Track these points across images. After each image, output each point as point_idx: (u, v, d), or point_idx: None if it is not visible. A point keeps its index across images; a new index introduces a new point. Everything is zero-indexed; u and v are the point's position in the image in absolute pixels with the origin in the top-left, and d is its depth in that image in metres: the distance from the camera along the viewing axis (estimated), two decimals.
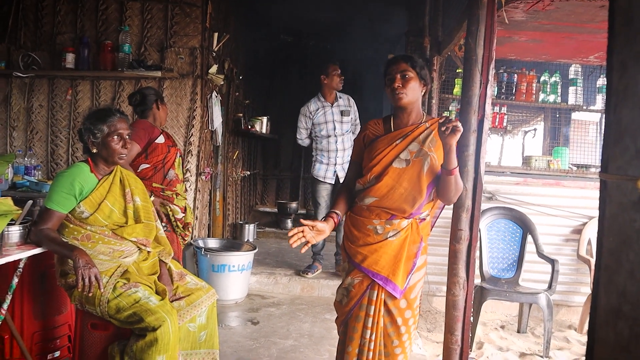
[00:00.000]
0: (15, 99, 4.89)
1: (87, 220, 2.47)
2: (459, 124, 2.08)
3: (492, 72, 2.47)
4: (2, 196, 2.91)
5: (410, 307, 2.29)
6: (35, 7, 4.87)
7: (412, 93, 2.28)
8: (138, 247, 2.60)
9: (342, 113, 4.87)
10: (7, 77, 4.85)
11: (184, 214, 3.55)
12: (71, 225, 2.47)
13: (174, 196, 3.46)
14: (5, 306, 2.42)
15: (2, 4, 4.92)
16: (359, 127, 4.89)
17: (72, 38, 4.83)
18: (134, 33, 4.77)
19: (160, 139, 3.42)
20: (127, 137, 2.57)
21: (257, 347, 3.53)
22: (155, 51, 4.76)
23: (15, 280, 2.45)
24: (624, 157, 0.94)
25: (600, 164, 1.05)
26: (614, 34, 1.05)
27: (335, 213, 2.36)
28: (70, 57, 4.68)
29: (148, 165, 3.35)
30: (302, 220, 2.29)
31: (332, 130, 4.85)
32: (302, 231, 2.21)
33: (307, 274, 4.84)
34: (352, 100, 5.00)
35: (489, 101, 2.47)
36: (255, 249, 4.66)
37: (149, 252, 2.66)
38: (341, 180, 4.61)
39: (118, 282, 2.46)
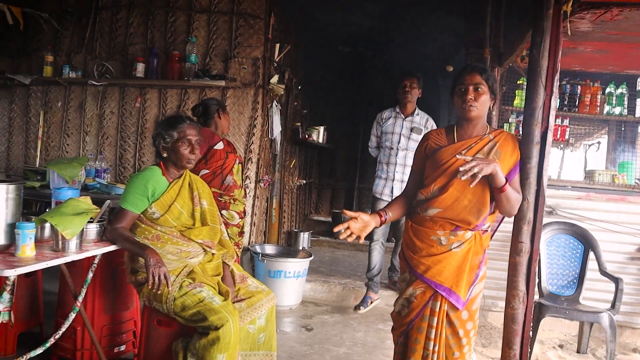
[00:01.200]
0: (89, 106, 5.20)
1: (158, 221, 2.60)
2: (479, 170, 2.08)
3: (556, 83, 2.44)
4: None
5: (472, 318, 2.28)
6: (111, 20, 5.18)
7: (482, 107, 2.28)
8: (204, 248, 2.71)
9: (412, 129, 4.58)
10: (83, 85, 5.17)
11: (240, 219, 3.65)
12: (143, 225, 2.61)
13: (231, 201, 3.57)
14: (80, 299, 2.58)
15: (80, 17, 5.25)
16: None
17: (143, 49, 5.10)
18: (200, 44, 4.98)
19: (219, 145, 3.55)
20: (195, 143, 2.69)
21: (311, 353, 3.58)
22: (219, 61, 4.94)
23: (90, 275, 2.61)
24: None
25: None
26: None
27: (384, 211, 2.39)
28: (140, 67, 4.93)
29: (208, 171, 3.48)
30: (344, 211, 2.34)
31: (397, 143, 4.60)
32: (348, 227, 2.26)
33: (359, 309, 4.48)
34: (431, 122, 4.69)
35: (552, 113, 2.45)
36: (310, 256, 4.73)
37: (213, 254, 2.77)
38: None
39: (184, 281, 2.57)
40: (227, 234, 2.98)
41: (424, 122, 4.63)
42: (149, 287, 2.42)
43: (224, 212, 3.42)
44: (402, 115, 4.63)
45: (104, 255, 2.63)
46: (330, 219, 7.75)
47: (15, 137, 5.52)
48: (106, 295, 2.97)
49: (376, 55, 8.18)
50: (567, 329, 4.51)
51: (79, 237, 2.42)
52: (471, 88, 2.26)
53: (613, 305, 3.67)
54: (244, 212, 3.75)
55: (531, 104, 2.45)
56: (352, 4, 5.41)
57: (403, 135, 4.60)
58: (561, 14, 2.43)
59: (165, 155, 2.69)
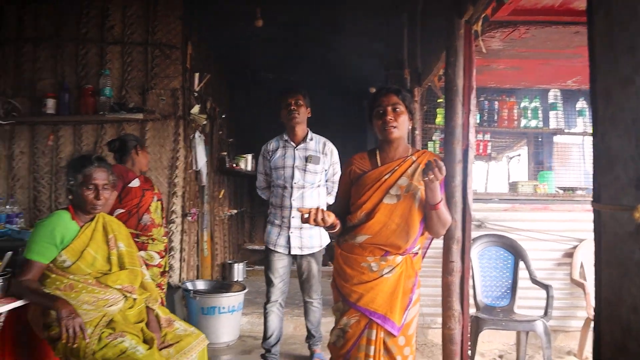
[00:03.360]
0: None
1: (70, 269, 2.41)
2: (441, 174, 2.04)
3: (473, 101, 2.47)
4: None
5: (409, 343, 2.23)
6: (15, 54, 4.86)
7: (402, 127, 2.28)
8: (123, 294, 2.53)
9: (308, 159, 3.61)
10: None
11: (161, 258, 3.47)
12: (53, 275, 2.40)
13: (149, 241, 3.40)
14: None
15: None
16: (336, 186, 3.24)
17: (53, 83, 4.80)
18: (115, 76, 4.76)
19: (135, 183, 3.39)
20: (102, 187, 2.53)
21: None
22: (136, 93, 4.74)
23: None
24: (616, 186, 0.91)
25: (592, 194, 1.02)
26: (595, 60, 1.04)
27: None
28: (51, 103, 4.64)
29: (123, 210, 3.31)
30: (300, 209, 2.19)
31: (290, 179, 3.60)
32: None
33: None
34: (329, 147, 3.72)
35: (472, 130, 2.47)
36: (245, 289, 4.56)
37: (134, 299, 2.59)
38: (300, 252, 3.64)
39: (103, 332, 2.38)
40: (149, 276, 2.80)
41: (320, 147, 3.68)
42: (64, 341, 2.23)
43: (142, 253, 3.22)
44: (293, 143, 3.67)
45: (13, 310, 2.40)
46: (264, 247, 7.58)
47: None
48: (19, 354, 2.71)
49: (302, 80, 8.20)
50: (505, 339, 4.57)
51: None
52: (389, 109, 2.26)
53: (546, 312, 3.75)
54: (165, 250, 3.58)
55: (450, 122, 2.47)
56: (267, 31, 5.38)
57: (297, 169, 3.61)
58: (472, 33, 2.48)
59: (71, 197, 2.51)
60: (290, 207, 3.59)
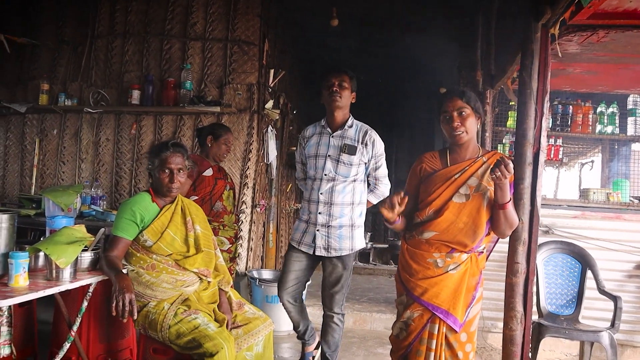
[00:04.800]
0: (85, 133, 5.22)
1: (152, 249, 2.59)
2: (508, 172, 2.07)
3: (547, 104, 2.47)
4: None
5: (471, 340, 2.27)
6: (106, 48, 5.24)
7: (470, 130, 2.30)
8: (199, 277, 2.69)
9: (343, 148, 3.13)
10: (79, 112, 5.20)
11: (231, 244, 3.63)
12: (138, 254, 2.60)
13: (220, 227, 3.56)
14: (74, 328, 2.55)
15: (76, 46, 5.31)
16: (380, 184, 3.22)
17: (138, 76, 5.14)
18: (195, 70, 5.03)
19: (208, 172, 3.55)
20: (178, 171, 2.67)
21: None
22: (214, 87, 4.99)
23: (85, 304, 2.58)
24: None
25: None
26: None
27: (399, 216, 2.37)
28: (136, 94, 4.97)
29: (196, 197, 3.47)
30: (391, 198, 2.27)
31: (321, 169, 3.15)
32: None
33: None
34: (372, 136, 3.17)
35: (544, 134, 2.48)
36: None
37: (209, 282, 2.75)
38: (325, 254, 3.15)
39: (179, 308, 2.55)
40: (222, 258, 2.97)
41: (360, 136, 3.17)
42: (113, 314, 2.39)
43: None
44: (329, 130, 3.22)
45: (100, 283, 2.61)
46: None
47: (10, 165, 5.52)
48: (101, 324, 2.93)
49: (372, 78, 8.27)
50: (567, 348, 4.47)
51: (73, 266, 2.40)
52: (455, 114, 2.28)
53: (613, 324, 3.65)
54: (235, 237, 3.75)
55: (522, 125, 2.48)
56: (343, 28, 5.48)
57: (330, 158, 3.15)
58: (549, 36, 2.48)
59: (151, 181, 2.71)
60: (318, 202, 3.14)
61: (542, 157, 2.45)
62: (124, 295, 2.37)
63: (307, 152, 3.24)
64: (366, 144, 3.13)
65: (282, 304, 3.33)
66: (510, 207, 2.20)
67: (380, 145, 3.18)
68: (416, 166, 2.49)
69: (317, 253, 3.15)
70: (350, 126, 3.19)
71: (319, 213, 3.12)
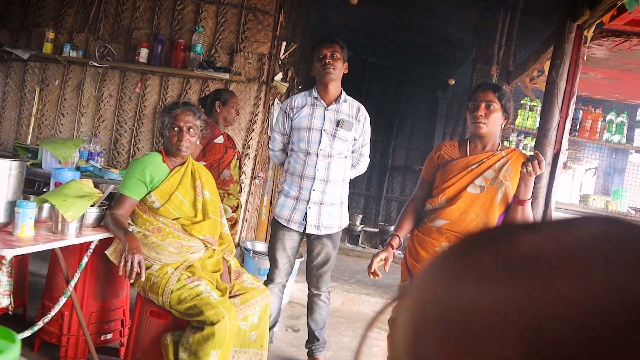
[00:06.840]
0: (87, 87, 5.11)
1: (159, 211, 2.55)
2: (540, 169, 2.07)
3: (572, 107, 2.46)
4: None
5: None
6: (117, 2, 5.09)
7: (493, 124, 2.29)
8: (205, 244, 2.66)
9: (339, 123, 3.01)
10: (83, 65, 5.07)
11: (233, 212, 3.62)
12: (144, 216, 2.55)
13: (225, 196, 3.54)
14: (72, 284, 2.51)
15: None
16: (363, 159, 3.20)
17: (148, 34, 5.02)
18: (207, 34, 4.92)
19: (219, 139, 3.51)
20: (187, 129, 2.60)
21: (297, 355, 3.55)
22: (225, 54, 4.89)
23: (85, 260, 2.55)
24: None
25: None
26: None
27: (398, 238, 2.37)
28: (144, 52, 4.86)
29: (204, 163, 3.41)
30: (373, 259, 2.30)
31: (316, 143, 3.00)
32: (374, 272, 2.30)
33: None
34: (363, 113, 3.11)
35: (566, 135, 2.46)
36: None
37: (214, 249, 2.72)
38: (316, 232, 3.07)
39: (182, 274, 2.52)
40: (227, 227, 2.94)
41: (354, 112, 3.08)
42: (120, 274, 2.34)
43: None
44: (324, 103, 3.05)
45: (99, 240, 2.58)
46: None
47: (7, 112, 5.40)
48: (97, 282, 2.90)
49: (378, 62, 8.21)
50: None
51: (80, 221, 2.36)
52: (482, 105, 2.27)
53: None
54: (237, 206, 3.73)
55: (545, 124, 2.46)
56: (359, 8, 5.39)
57: (325, 133, 3.01)
58: (582, 38, 2.45)
59: (162, 141, 2.66)
60: (314, 178, 3.00)
61: (562, 158, 2.44)
62: (133, 256, 2.33)
63: (298, 124, 3.05)
64: (359, 120, 3.08)
65: (275, 287, 3.20)
66: (528, 205, 2.19)
67: (369, 123, 3.16)
68: (434, 153, 2.48)
69: (308, 231, 3.07)
70: (345, 101, 3.08)
71: (313, 190, 3.02)
